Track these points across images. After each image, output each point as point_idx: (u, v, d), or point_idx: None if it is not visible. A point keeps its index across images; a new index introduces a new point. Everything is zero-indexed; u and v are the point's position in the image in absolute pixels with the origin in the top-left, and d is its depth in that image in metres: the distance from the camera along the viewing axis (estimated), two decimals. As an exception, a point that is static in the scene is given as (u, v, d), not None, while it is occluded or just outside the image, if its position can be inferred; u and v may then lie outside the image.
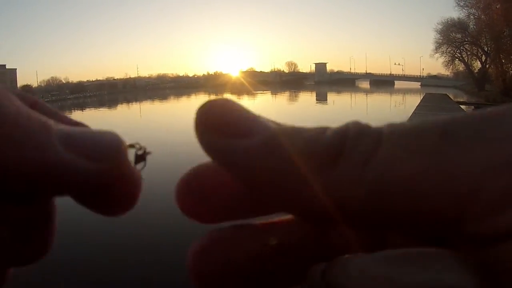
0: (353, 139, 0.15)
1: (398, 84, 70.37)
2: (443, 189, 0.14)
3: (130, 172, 0.19)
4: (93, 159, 0.17)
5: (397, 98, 35.51)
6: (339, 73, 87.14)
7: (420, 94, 30.57)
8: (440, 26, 34.33)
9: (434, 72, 72.63)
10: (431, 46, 38.28)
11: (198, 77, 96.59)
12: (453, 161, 0.14)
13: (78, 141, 0.16)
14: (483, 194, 0.13)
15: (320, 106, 26.63)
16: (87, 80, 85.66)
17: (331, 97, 37.59)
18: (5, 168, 0.15)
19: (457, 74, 40.91)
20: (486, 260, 0.14)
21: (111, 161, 0.17)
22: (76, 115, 25.27)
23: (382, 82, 73.37)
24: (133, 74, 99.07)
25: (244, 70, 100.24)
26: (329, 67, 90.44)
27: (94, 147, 0.17)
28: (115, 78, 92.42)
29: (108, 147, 0.17)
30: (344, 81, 77.67)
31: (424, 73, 75.99)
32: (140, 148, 0.19)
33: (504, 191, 0.13)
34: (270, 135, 0.15)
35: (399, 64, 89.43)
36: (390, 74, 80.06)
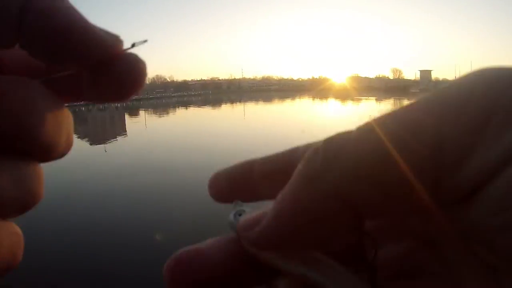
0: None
1: None
2: None
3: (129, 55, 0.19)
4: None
5: None
6: (444, 81, 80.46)
7: None
8: None
9: None
10: None
11: (303, 81, 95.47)
12: None
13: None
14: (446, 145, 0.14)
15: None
16: (192, 79, 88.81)
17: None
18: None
19: None
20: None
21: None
22: (180, 112, 25.27)
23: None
24: (237, 75, 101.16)
25: (349, 75, 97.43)
26: (433, 75, 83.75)
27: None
28: (220, 78, 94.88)
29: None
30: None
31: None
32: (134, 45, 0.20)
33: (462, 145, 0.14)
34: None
35: None
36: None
